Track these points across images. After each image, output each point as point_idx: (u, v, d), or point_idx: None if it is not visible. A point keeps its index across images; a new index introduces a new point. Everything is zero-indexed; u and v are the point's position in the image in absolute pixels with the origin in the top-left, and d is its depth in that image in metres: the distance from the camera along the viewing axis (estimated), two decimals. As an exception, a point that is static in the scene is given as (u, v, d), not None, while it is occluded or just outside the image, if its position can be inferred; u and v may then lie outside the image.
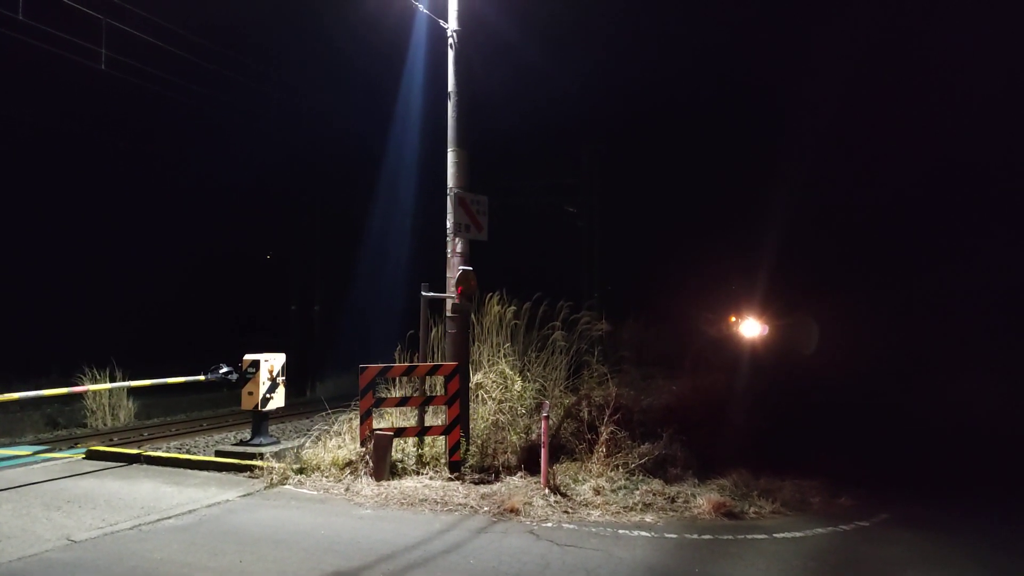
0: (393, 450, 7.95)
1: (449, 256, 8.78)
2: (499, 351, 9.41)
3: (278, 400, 9.36)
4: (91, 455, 9.53)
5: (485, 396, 8.77)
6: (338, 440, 8.60)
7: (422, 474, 7.87)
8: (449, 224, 8.72)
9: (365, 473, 7.72)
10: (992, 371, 12.14)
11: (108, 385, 12.42)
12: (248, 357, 9.21)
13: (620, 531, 6.14)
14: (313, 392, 18.95)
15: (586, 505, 6.83)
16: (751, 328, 23.51)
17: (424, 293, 8.63)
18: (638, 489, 7.22)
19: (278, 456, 8.72)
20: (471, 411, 8.53)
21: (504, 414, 8.58)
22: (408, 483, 7.55)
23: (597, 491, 7.15)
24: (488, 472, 7.97)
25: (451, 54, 8.96)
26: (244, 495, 7.37)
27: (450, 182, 8.80)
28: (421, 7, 9.03)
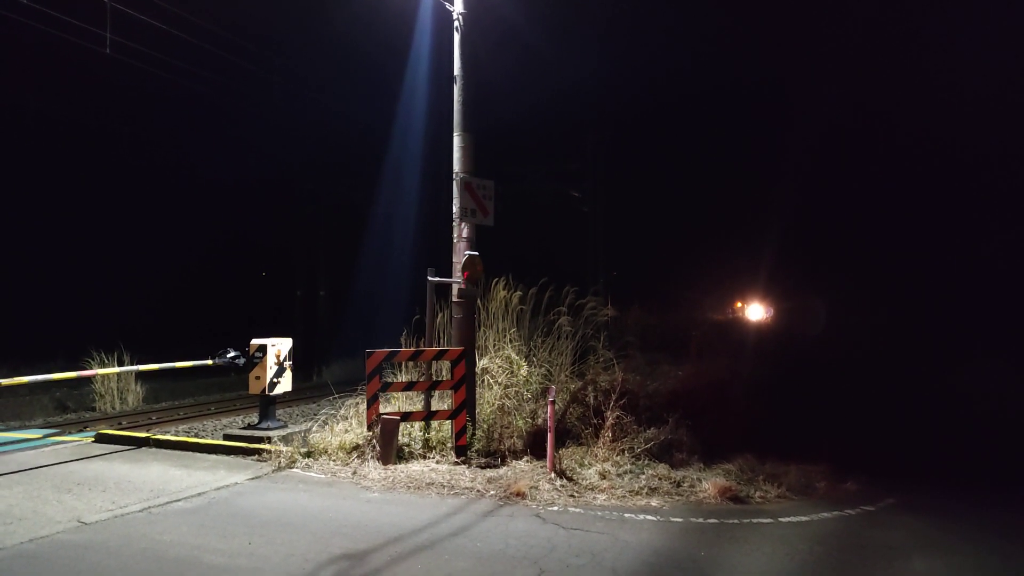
0: (400, 434, 8.00)
1: (455, 241, 8.78)
2: (505, 336, 9.42)
3: (285, 384, 9.41)
4: (100, 438, 9.61)
5: (491, 381, 8.78)
6: (345, 424, 8.65)
7: (428, 458, 7.92)
8: (455, 209, 8.70)
9: (372, 457, 7.77)
10: (1000, 357, 12.10)
11: (116, 369, 12.47)
12: (255, 342, 9.25)
13: (626, 515, 6.17)
14: (320, 376, 19.02)
15: (592, 489, 6.86)
16: (756, 312, 23.50)
17: (430, 278, 8.63)
18: (644, 473, 7.25)
19: (286, 440, 8.77)
20: (477, 396, 8.56)
21: (510, 399, 8.60)
22: (415, 467, 7.59)
23: (603, 475, 7.18)
24: (494, 456, 8.01)
25: (457, 38, 8.90)
26: (252, 478, 7.43)
27: (456, 167, 8.78)
28: (427, -11, 8.97)
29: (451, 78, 8.95)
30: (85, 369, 12.15)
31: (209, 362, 9.89)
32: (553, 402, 7.37)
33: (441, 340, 9.33)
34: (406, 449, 8.07)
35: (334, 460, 7.93)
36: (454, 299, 8.78)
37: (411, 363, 9.17)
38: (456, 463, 7.70)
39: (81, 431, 10.68)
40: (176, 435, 9.95)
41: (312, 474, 7.59)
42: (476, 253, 8.51)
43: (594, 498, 6.65)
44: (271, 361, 9.13)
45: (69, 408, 13.38)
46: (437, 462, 7.78)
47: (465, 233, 8.71)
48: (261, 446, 8.55)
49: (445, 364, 8.67)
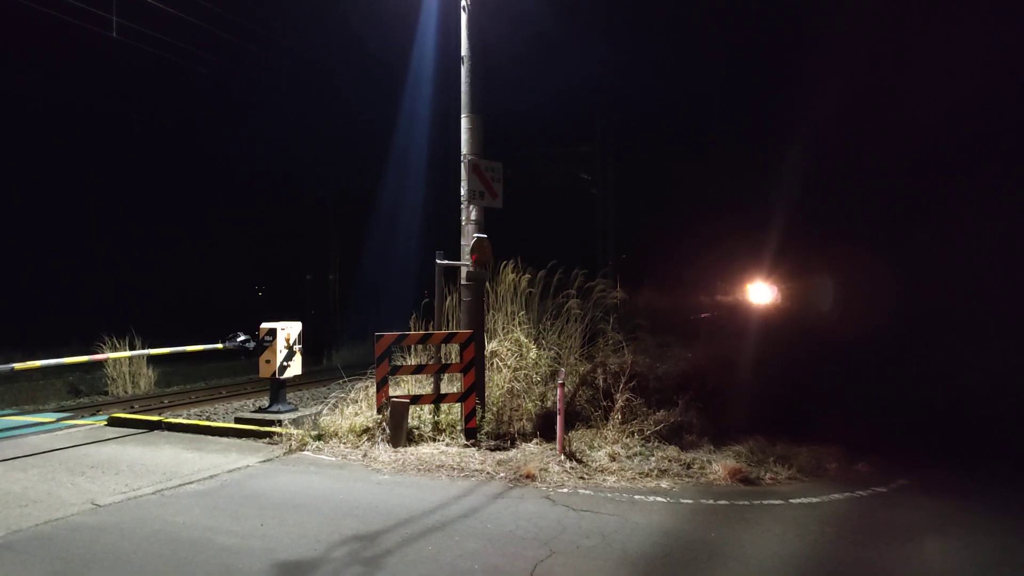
0: (409, 417, 8.02)
1: (464, 224, 8.74)
2: (514, 319, 9.40)
3: (295, 368, 9.44)
4: (113, 422, 9.69)
5: (500, 364, 8.78)
6: (355, 407, 8.68)
7: (438, 441, 7.94)
8: (463, 192, 8.66)
9: (382, 440, 7.80)
10: (1016, 335, 11.95)
11: (128, 353, 12.56)
12: (265, 325, 9.27)
13: (636, 497, 6.17)
14: (329, 360, 19.10)
15: (602, 471, 6.86)
16: (768, 293, 23.34)
17: (439, 261, 8.61)
18: (654, 455, 7.24)
19: (296, 423, 8.82)
20: (486, 379, 8.56)
21: (519, 382, 8.60)
22: (425, 449, 7.62)
23: (613, 457, 7.18)
24: (504, 439, 8.02)
25: (464, 18, 8.81)
26: (264, 461, 7.48)
27: (464, 149, 8.72)
28: (433, -31, 8.88)
29: (459, 59, 8.87)
30: (97, 354, 12.23)
31: (219, 346, 9.93)
32: (563, 384, 7.36)
33: (450, 323, 9.32)
34: (416, 432, 8.09)
35: (344, 443, 7.96)
36: (463, 282, 8.76)
37: (420, 346, 9.18)
38: (466, 445, 7.72)
39: (94, 415, 10.78)
40: (188, 418, 10.01)
41: (323, 456, 7.63)
42: (485, 236, 8.47)
43: (604, 480, 6.65)
44: (281, 345, 9.16)
45: (82, 392, 13.50)
46: (447, 444, 7.80)
47: (473, 216, 8.66)
48: (272, 429, 8.60)
49: (454, 347, 8.66)
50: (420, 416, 8.40)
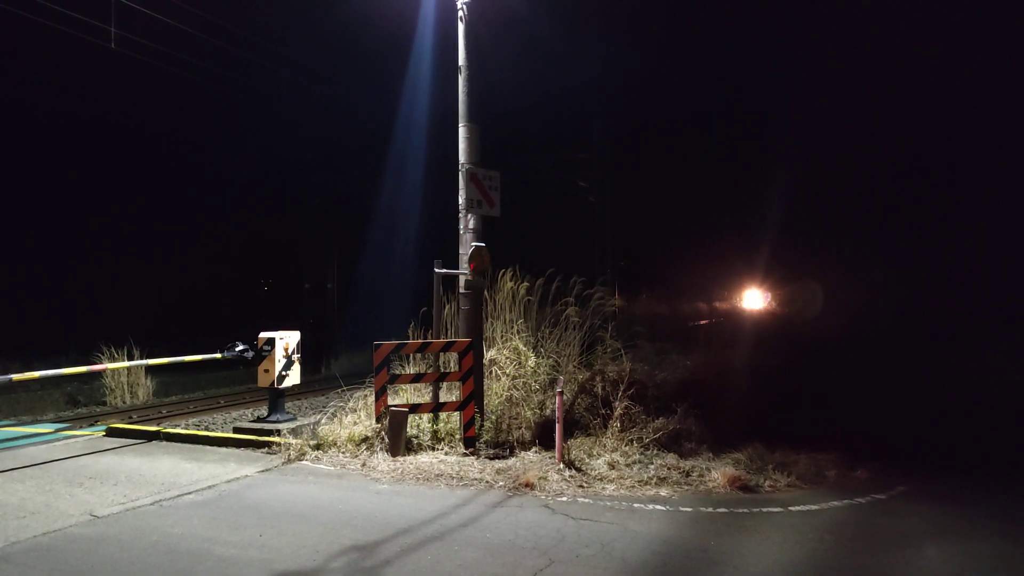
0: (408, 426, 8.01)
1: (462, 232, 8.76)
2: (512, 327, 9.40)
3: (294, 377, 9.43)
4: (111, 432, 9.67)
5: (499, 372, 8.78)
6: (354, 416, 8.67)
7: (437, 450, 7.93)
8: (461, 200, 8.68)
9: (381, 449, 7.79)
10: (1013, 341, 11.98)
11: (126, 363, 12.53)
12: (263, 335, 9.26)
13: (635, 505, 6.17)
14: (328, 369, 19.06)
15: (601, 479, 6.86)
16: (763, 299, 23.39)
17: (437, 270, 8.62)
18: (653, 463, 7.24)
19: (295, 432, 8.80)
20: (485, 387, 8.56)
21: (518, 390, 8.60)
22: (424, 458, 7.61)
23: (612, 465, 7.18)
24: (503, 447, 8.01)
25: (461, 27, 8.85)
26: (263, 471, 7.46)
27: (462, 157, 8.75)
28: (430, -21, 8.92)
29: (456, 69, 8.91)
30: (95, 363, 12.20)
31: (218, 356, 9.92)
32: (561, 393, 7.36)
33: (449, 332, 9.32)
34: (415, 441, 8.08)
35: (343, 452, 7.95)
36: (461, 290, 8.77)
37: (419, 355, 9.17)
38: (465, 454, 7.71)
39: (92, 425, 10.74)
40: (186, 428, 9.99)
41: (322, 466, 7.62)
42: (483, 244, 8.49)
43: (603, 488, 6.64)
44: (279, 354, 9.15)
45: (80, 403, 13.45)
46: (446, 453, 7.79)
47: (471, 224, 8.68)
48: (271, 439, 8.58)
49: (453, 356, 8.66)
50: (419, 425, 8.39)
